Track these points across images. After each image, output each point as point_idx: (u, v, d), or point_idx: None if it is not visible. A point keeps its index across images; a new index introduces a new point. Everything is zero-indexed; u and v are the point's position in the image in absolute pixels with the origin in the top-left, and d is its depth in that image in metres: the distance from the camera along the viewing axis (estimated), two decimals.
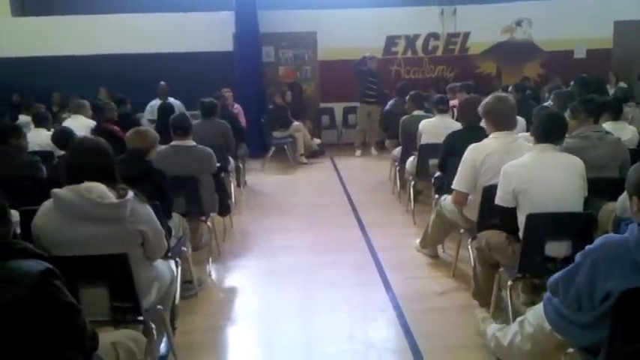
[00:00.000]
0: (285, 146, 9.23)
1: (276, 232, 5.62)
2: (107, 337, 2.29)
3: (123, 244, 2.62)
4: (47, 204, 2.61)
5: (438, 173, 4.91)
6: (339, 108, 10.95)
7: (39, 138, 5.72)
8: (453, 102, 7.23)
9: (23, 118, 7.25)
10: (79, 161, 2.62)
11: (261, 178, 8.22)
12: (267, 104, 9.73)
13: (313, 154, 9.66)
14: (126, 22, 10.33)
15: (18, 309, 1.67)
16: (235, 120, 7.52)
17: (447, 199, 4.31)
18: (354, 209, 6.32)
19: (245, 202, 6.85)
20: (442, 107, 5.87)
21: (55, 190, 2.55)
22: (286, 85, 10.34)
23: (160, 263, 3.00)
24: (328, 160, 9.53)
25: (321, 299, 4.06)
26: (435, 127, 5.62)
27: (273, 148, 9.24)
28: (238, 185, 6.98)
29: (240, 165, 7.20)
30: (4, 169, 3.85)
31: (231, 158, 6.33)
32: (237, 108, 8.70)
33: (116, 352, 2.26)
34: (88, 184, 2.55)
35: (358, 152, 9.84)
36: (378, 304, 3.89)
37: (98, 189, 2.55)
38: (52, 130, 5.65)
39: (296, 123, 9.35)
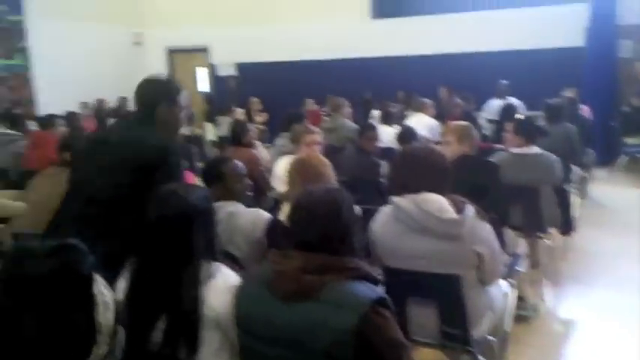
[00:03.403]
0: None
1: (628, 257, 4.67)
2: None
3: (456, 264, 2.33)
4: (386, 211, 2.47)
5: None
6: None
7: (383, 135, 5.88)
8: None
9: (376, 113, 7.65)
10: (411, 170, 2.42)
11: (609, 190, 7.08)
12: (620, 106, 8.41)
13: None
14: (469, 20, 10.15)
15: (345, 337, 1.50)
16: (586, 123, 6.62)
17: None
18: None
19: (588, 217, 5.94)
20: None
21: (395, 199, 2.39)
22: None
23: (494, 289, 2.63)
24: None
25: None
26: None
27: (625, 157, 7.95)
28: (581, 197, 6.12)
29: (586, 174, 6.30)
30: (349, 167, 3.97)
31: (575, 167, 5.54)
32: (583, 109, 7.70)
33: None
34: (426, 196, 2.32)
35: None
36: None
37: (437, 202, 2.30)
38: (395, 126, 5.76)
39: None
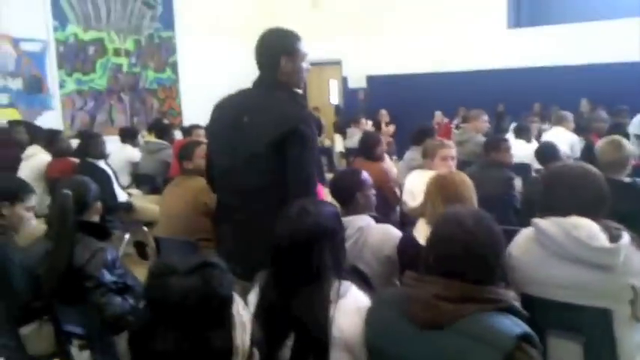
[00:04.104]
0: None
1: None
2: None
3: (608, 297, 2.07)
4: (527, 233, 2.27)
5: None
6: None
7: (517, 149, 5.53)
8: None
9: (510, 127, 7.30)
10: (561, 191, 2.19)
11: None
12: None
13: None
14: (613, 28, 9.37)
15: None
16: None
17: None
18: None
19: None
20: None
21: (537, 221, 2.18)
22: None
23: None
24: None
25: None
26: None
27: None
28: None
29: None
30: (483, 183, 3.74)
31: None
32: None
33: None
34: (575, 220, 2.09)
35: None
36: None
37: (588, 227, 2.07)
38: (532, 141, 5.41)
39: None
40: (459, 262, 1.50)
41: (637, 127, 7.63)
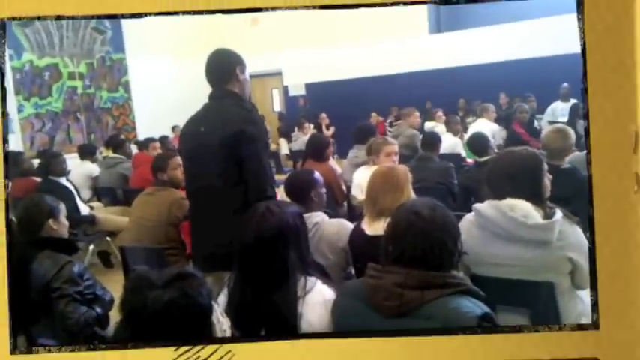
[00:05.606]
0: None
1: None
2: None
3: (547, 270, 2.05)
4: (469, 218, 2.22)
5: None
6: None
7: (446, 142, 5.56)
8: None
9: (429, 125, 7.38)
10: (501, 174, 2.16)
11: None
12: None
13: None
14: (520, 28, 9.66)
15: None
16: None
17: None
18: None
19: None
20: None
21: (477, 206, 2.14)
22: None
23: (585, 294, 2.33)
24: None
25: None
26: None
27: None
28: None
29: None
30: (420, 174, 3.71)
31: None
32: None
33: None
34: (511, 201, 2.06)
35: None
36: None
37: (522, 207, 2.04)
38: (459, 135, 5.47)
39: None
40: (420, 249, 1.42)
41: (550, 116, 7.89)
